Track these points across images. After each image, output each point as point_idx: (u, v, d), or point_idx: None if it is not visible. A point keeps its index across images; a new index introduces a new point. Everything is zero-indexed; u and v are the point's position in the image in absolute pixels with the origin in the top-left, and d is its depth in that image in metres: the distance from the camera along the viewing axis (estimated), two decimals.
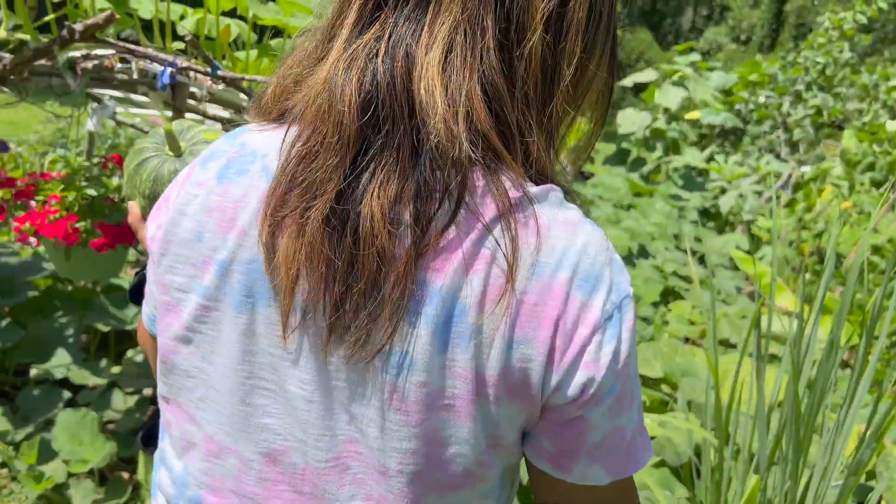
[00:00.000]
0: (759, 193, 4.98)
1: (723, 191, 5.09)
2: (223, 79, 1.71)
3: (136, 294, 1.13)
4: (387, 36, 0.65)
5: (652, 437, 2.36)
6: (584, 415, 0.66)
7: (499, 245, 0.63)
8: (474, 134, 0.63)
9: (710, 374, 1.86)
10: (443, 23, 0.64)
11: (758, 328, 1.68)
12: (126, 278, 3.15)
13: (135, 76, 1.87)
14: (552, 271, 0.63)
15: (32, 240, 2.00)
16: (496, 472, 0.70)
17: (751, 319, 1.81)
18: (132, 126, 3.57)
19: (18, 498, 2.33)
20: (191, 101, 1.85)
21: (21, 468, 2.32)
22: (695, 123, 6.52)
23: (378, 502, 0.68)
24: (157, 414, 2.56)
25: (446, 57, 0.63)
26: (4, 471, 2.42)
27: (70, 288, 3.02)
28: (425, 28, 0.64)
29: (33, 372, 2.59)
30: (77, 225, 2.02)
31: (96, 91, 2.38)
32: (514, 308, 0.63)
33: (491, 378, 0.63)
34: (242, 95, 1.85)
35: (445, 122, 0.62)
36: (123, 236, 2.08)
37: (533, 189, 0.66)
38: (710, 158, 5.77)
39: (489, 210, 0.63)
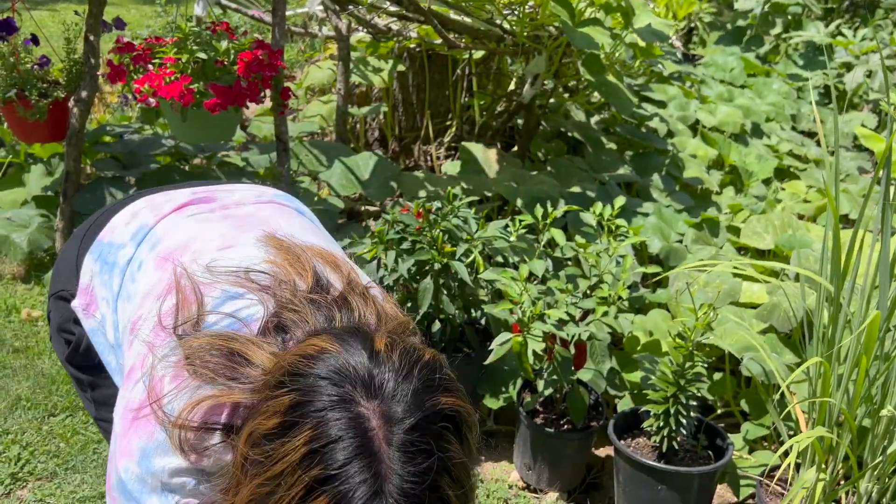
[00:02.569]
0: (892, 70, 4.54)
1: (848, 67, 4.67)
2: None
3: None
4: None
5: (760, 304, 2.30)
6: None
7: None
8: None
9: (823, 245, 1.77)
10: None
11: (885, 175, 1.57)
12: (236, 153, 3.29)
13: None
14: None
15: (152, 100, 2.10)
16: None
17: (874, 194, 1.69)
18: (236, 10, 3.63)
19: None
20: None
21: None
22: None
23: None
24: None
25: None
26: None
27: (187, 167, 3.20)
28: None
29: None
30: (191, 86, 2.10)
31: None
32: None
33: None
34: None
35: None
36: (234, 97, 2.15)
37: None
38: (837, 34, 5.27)
39: None
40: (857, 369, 1.61)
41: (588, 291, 2.03)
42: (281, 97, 2.37)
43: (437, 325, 2.24)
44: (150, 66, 2.18)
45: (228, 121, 2.28)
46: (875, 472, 1.65)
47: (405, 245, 2.19)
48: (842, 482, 1.75)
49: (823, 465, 1.71)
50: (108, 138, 3.18)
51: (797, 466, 1.84)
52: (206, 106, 2.11)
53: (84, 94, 2.74)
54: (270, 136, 3.37)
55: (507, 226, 2.25)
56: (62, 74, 2.82)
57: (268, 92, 2.30)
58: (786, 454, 1.86)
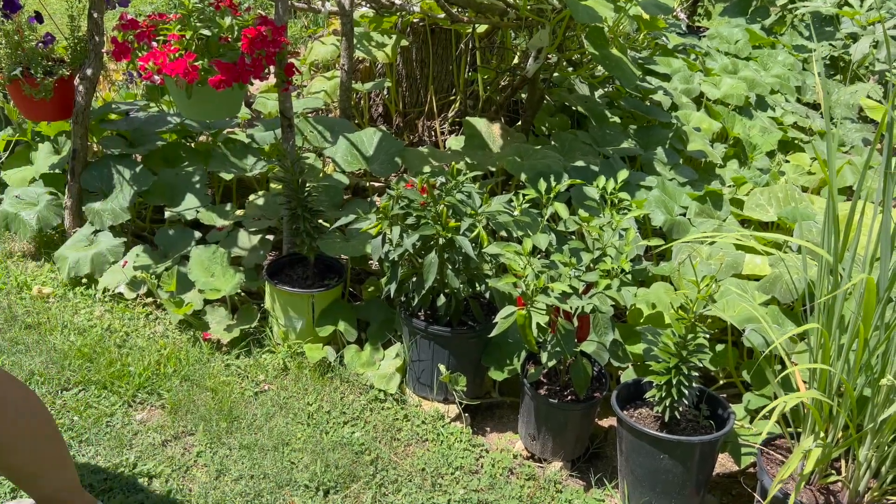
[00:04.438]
0: None
1: (855, 38, 4.63)
2: None
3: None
4: None
5: (763, 277, 2.32)
6: None
7: None
8: None
9: (825, 216, 1.78)
10: None
11: (887, 143, 1.57)
12: (241, 130, 3.30)
13: None
14: None
15: (156, 78, 2.11)
16: None
17: (876, 167, 1.69)
18: None
19: (164, 322, 2.61)
20: None
21: (163, 296, 2.58)
22: None
23: None
24: (279, 248, 2.75)
25: None
26: (150, 299, 2.70)
27: (193, 144, 3.21)
28: None
29: (167, 214, 2.82)
30: (195, 63, 2.11)
31: None
32: None
33: None
34: None
35: None
36: (238, 74, 2.16)
37: None
38: (843, 4, 5.22)
39: None
40: (857, 339, 1.63)
41: (591, 265, 2.05)
42: (285, 73, 2.37)
43: (441, 299, 2.27)
44: (154, 44, 2.19)
45: (233, 97, 2.29)
46: (875, 441, 1.68)
47: (410, 220, 2.21)
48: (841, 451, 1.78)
49: (823, 434, 1.74)
50: (113, 116, 3.19)
51: (797, 436, 1.87)
52: (211, 83, 2.12)
53: (89, 71, 2.74)
54: (275, 112, 3.37)
55: (510, 200, 2.27)
56: (67, 52, 2.82)
57: (272, 68, 2.31)
58: (785, 420, 1.89)
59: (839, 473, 1.79)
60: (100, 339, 2.46)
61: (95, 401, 2.21)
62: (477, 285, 2.30)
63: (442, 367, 2.27)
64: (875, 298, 1.56)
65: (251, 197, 2.90)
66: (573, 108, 3.51)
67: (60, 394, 2.24)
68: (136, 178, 2.80)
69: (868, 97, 4.00)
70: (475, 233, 2.17)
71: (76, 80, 2.76)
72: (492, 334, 2.04)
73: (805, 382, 1.87)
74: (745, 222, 2.82)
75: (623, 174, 2.13)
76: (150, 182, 2.79)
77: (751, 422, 2.15)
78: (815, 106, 4.22)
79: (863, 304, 1.55)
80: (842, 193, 3.10)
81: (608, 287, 1.95)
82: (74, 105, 2.78)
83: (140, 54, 2.17)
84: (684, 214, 2.74)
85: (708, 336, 1.88)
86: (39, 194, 2.92)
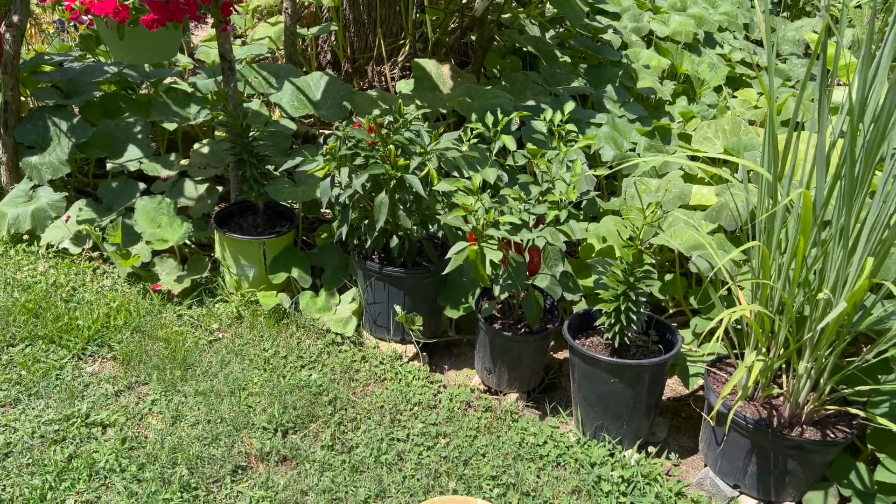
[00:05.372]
0: None
1: None
2: None
3: None
4: None
5: (709, 206, 2.36)
6: None
7: None
8: None
9: (766, 139, 1.80)
10: None
11: (822, 64, 1.59)
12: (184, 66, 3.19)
13: None
14: None
15: (85, 18, 2.02)
16: None
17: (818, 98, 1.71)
18: None
19: (112, 276, 2.56)
20: None
21: (110, 249, 2.52)
22: None
23: None
24: (228, 198, 2.70)
25: None
26: (96, 254, 2.64)
27: (134, 95, 3.11)
28: None
29: (109, 166, 2.74)
30: (125, 2, 2.02)
31: None
32: None
33: None
34: None
35: None
36: (172, 13, 2.08)
37: None
38: None
39: None
40: (795, 257, 1.67)
41: (540, 197, 2.06)
42: (222, 12, 2.29)
43: (395, 241, 2.26)
44: None
45: (168, 39, 2.20)
46: (813, 354, 1.75)
47: (358, 161, 2.18)
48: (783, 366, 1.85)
49: (765, 350, 1.80)
50: (47, 68, 3.06)
51: (742, 356, 1.93)
52: (143, 23, 2.04)
53: (15, 18, 2.62)
54: (218, 60, 3.27)
55: (459, 137, 2.25)
56: None
57: (209, 10, 2.23)
58: (731, 344, 1.95)
59: (781, 389, 1.86)
60: (45, 295, 2.40)
61: (43, 355, 2.17)
62: (430, 227, 2.29)
63: (398, 308, 2.28)
64: (812, 214, 1.60)
65: (196, 146, 2.83)
66: (524, 49, 3.48)
67: (6, 349, 2.18)
68: (74, 129, 2.70)
69: (813, 31, 4.05)
70: (425, 171, 2.16)
71: (2, 29, 2.63)
72: (445, 271, 2.05)
73: (749, 302, 1.92)
74: (695, 159, 2.85)
75: (569, 106, 2.12)
76: (88, 133, 2.70)
77: (699, 345, 2.21)
78: (762, 43, 4.26)
79: (801, 220, 1.59)
80: (786, 126, 3.15)
81: (557, 218, 1.97)
82: (2, 55, 2.65)
83: None
84: (633, 149, 2.76)
85: (654, 262, 1.92)
86: None
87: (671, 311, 2.41)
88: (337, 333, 2.35)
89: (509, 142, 2.05)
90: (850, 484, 1.79)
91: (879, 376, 1.83)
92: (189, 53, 3.81)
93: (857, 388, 1.77)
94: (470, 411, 2.13)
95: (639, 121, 2.96)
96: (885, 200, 1.60)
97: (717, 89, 3.39)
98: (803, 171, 1.78)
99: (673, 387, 2.30)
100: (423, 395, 2.16)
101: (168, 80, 3.15)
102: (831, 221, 1.68)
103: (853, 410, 1.77)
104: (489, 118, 2.11)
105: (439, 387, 2.22)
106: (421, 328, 2.29)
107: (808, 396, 1.81)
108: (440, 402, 2.15)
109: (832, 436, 1.76)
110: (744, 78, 3.62)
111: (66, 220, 2.60)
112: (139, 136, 2.77)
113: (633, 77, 3.29)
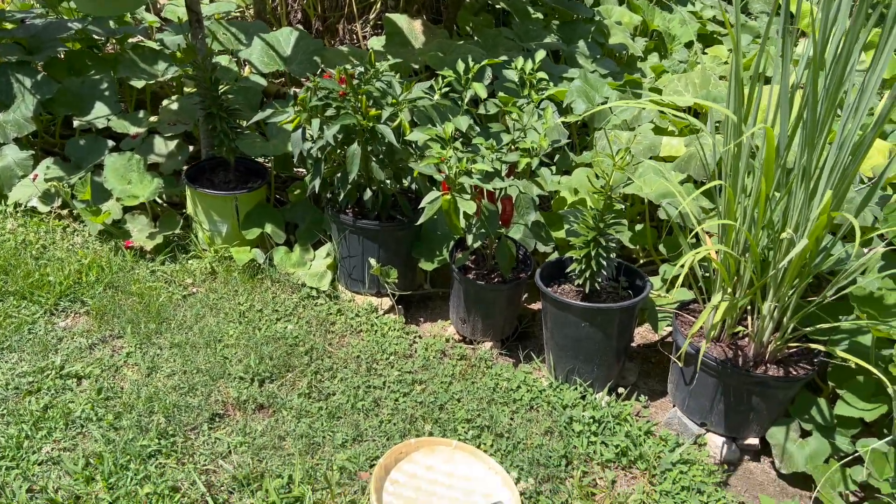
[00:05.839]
0: None
1: None
2: None
3: None
4: None
5: (679, 157, 2.39)
6: None
7: None
8: None
9: (731, 80, 1.83)
10: None
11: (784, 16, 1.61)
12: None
13: None
14: None
15: None
16: None
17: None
18: None
19: (82, 234, 2.53)
20: None
21: (79, 206, 2.49)
22: None
23: None
24: (199, 157, 2.66)
25: None
26: (66, 211, 2.61)
27: (100, 53, 3.04)
28: None
29: (76, 123, 2.69)
30: None
31: None
32: None
33: None
34: None
35: None
36: None
37: None
38: None
39: None
40: (759, 199, 1.71)
41: (512, 146, 2.07)
42: None
43: (368, 193, 2.26)
44: None
45: None
46: (776, 294, 1.80)
47: (329, 112, 2.17)
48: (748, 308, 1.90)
49: (730, 290, 1.84)
50: (8, 25, 2.98)
51: (710, 299, 1.97)
52: None
53: None
54: (185, 17, 3.21)
55: (431, 87, 2.25)
56: None
57: None
58: (700, 290, 1.99)
59: (747, 329, 1.91)
60: (14, 252, 2.37)
61: (15, 311, 2.15)
62: (404, 181, 2.30)
63: (372, 261, 2.29)
64: (775, 152, 1.63)
65: (165, 102, 2.79)
66: (496, 6, 3.46)
67: None
68: (39, 86, 2.65)
69: None
70: (397, 122, 2.15)
71: None
72: (419, 221, 2.06)
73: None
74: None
75: (541, 54, 2.13)
76: (54, 90, 2.65)
77: (667, 291, 2.26)
78: (733, 1, 4.27)
79: (764, 159, 1.62)
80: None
81: (528, 166, 1.98)
82: None
83: None
84: (605, 104, 2.78)
85: (623, 208, 1.94)
86: None
87: (642, 262, 2.45)
88: (312, 287, 2.36)
89: (480, 89, 2.05)
90: (812, 419, 1.85)
91: (840, 316, 1.89)
92: (156, 13, 3.74)
93: (818, 326, 1.83)
94: (445, 359, 2.16)
95: (611, 76, 2.97)
96: (842, 143, 1.64)
97: (689, 45, 3.41)
98: (767, 118, 1.81)
99: (643, 334, 2.35)
100: (399, 345, 2.19)
101: (134, 38, 3.08)
102: (794, 168, 1.72)
103: (815, 346, 1.83)
104: (460, 66, 2.11)
105: (415, 337, 2.25)
106: (396, 280, 2.31)
107: (772, 336, 1.86)
108: (416, 351, 2.18)
109: (794, 373, 1.82)
110: (715, 35, 3.64)
111: (34, 179, 2.56)
112: (106, 93, 2.72)
113: (605, 33, 3.29)
